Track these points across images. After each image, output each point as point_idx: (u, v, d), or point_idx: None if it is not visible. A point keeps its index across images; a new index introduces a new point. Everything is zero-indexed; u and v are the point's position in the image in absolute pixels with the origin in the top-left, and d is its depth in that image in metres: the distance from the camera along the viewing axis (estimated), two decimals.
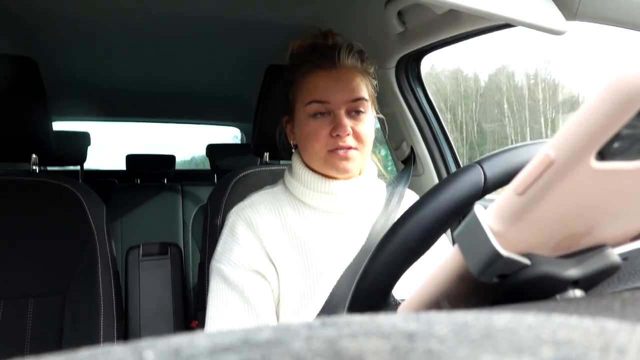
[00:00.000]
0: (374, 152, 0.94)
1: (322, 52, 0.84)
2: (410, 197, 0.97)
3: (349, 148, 0.82)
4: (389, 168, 1.49)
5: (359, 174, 0.89)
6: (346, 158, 0.82)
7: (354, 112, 0.83)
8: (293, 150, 0.94)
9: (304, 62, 0.85)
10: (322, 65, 0.83)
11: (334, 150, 0.82)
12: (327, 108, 0.82)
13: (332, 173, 0.85)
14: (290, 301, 0.81)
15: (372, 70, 0.89)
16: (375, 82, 0.90)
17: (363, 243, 0.84)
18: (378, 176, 0.96)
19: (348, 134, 0.81)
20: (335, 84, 0.82)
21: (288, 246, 0.83)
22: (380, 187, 0.97)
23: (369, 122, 0.85)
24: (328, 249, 0.84)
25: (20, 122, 1.01)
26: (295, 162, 0.90)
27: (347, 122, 0.81)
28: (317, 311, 0.79)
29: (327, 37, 0.87)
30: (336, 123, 0.81)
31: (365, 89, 0.85)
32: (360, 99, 0.83)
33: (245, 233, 0.83)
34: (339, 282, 0.80)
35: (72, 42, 1.51)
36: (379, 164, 0.95)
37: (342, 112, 0.82)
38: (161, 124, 3.11)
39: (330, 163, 0.83)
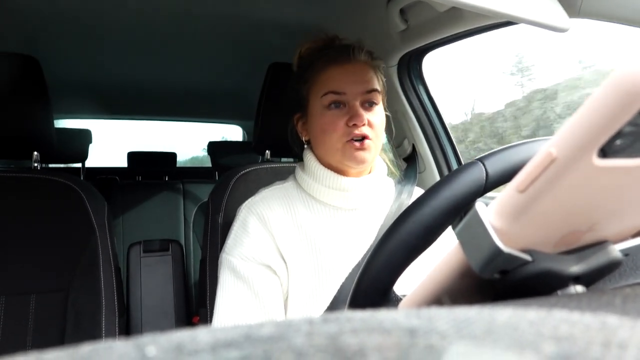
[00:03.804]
0: (384, 150, 0.94)
1: (336, 49, 0.87)
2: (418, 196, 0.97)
3: (365, 137, 0.83)
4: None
5: (369, 172, 0.90)
6: (362, 148, 0.83)
7: (368, 104, 0.86)
8: (305, 147, 0.94)
9: (318, 57, 0.87)
10: (337, 59, 0.86)
11: (350, 141, 0.83)
12: (343, 99, 0.84)
13: (350, 164, 0.85)
14: (298, 297, 0.82)
15: (381, 66, 0.91)
16: (384, 79, 0.92)
17: (372, 241, 0.85)
18: (387, 175, 0.97)
19: (364, 124, 0.83)
20: (350, 76, 0.85)
21: (298, 242, 0.84)
22: (390, 186, 0.98)
23: (381, 114, 0.87)
24: (337, 245, 0.85)
25: (22, 119, 1.02)
26: (308, 158, 0.91)
27: (363, 112, 0.83)
28: (325, 307, 0.80)
29: (334, 40, 0.90)
30: (352, 113, 0.83)
31: (377, 82, 0.88)
32: (374, 90, 0.86)
33: (256, 227, 0.84)
34: (346, 279, 0.81)
35: (74, 40, 1.51)
36: (388, 163, 0.96)
37: (358, 103, 0.84)
38: (163, 122, 3.11)
39: (347, 154, 0.84)
